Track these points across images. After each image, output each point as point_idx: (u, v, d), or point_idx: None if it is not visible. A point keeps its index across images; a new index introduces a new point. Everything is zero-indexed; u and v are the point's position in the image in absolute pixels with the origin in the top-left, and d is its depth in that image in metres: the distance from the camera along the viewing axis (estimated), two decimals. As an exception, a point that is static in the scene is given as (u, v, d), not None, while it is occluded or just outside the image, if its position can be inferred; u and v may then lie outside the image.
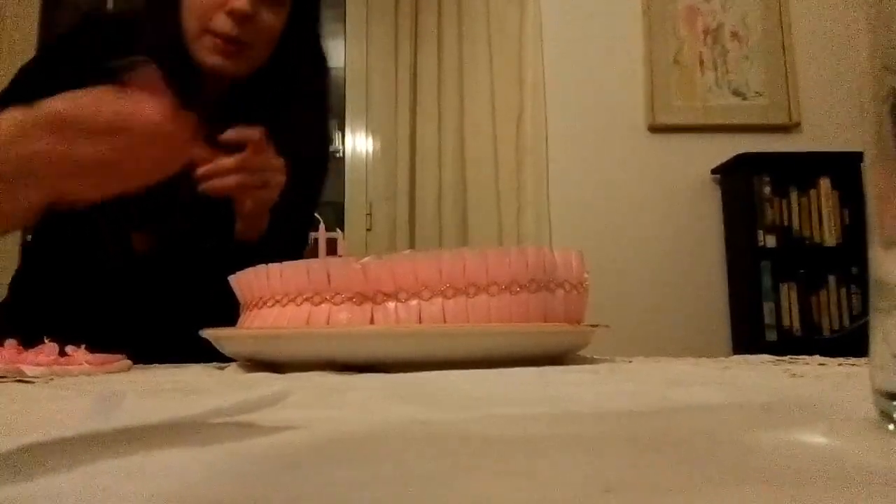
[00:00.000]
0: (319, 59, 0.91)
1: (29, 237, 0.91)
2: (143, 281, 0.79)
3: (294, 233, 0.89)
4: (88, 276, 0.79)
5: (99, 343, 0.52)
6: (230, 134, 0.68)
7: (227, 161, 0.68)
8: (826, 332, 2.14)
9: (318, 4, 0.89)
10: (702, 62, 2.42)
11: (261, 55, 0.80)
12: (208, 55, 0.76)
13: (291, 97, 0.86)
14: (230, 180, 0.69)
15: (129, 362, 0.54)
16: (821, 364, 0.46)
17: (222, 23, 0.75)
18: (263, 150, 0.70)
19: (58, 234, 0.82)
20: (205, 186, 0.69)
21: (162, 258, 0.79)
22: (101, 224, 0.78)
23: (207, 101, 0.80)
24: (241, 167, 0.69)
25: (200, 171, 0.68)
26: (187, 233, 0.79)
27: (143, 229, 0.78)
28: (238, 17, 0.75)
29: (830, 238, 2.17)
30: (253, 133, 0.69)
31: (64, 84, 0.61)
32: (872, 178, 0.20)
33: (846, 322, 2.15)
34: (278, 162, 0.72)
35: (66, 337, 0.50)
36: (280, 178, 0.73)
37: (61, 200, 0.53)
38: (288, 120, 0.81)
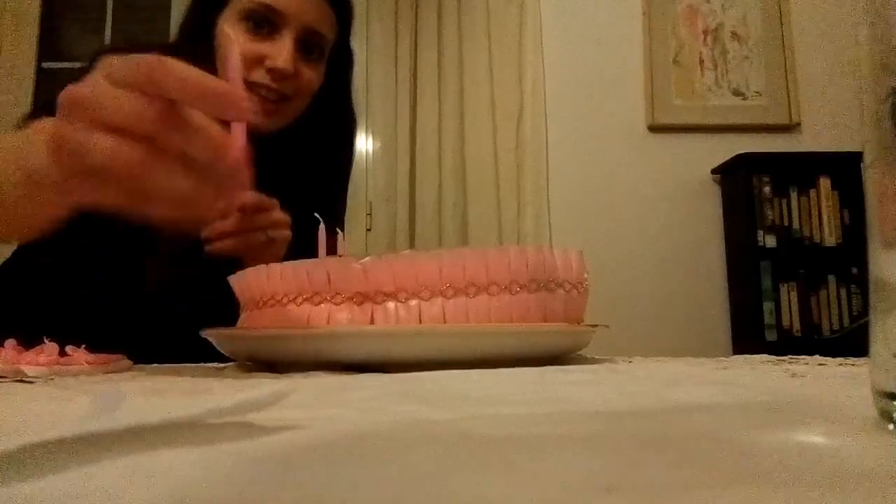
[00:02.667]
0: (352, 116, 0.91)
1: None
2: (139, 284, 0.79)
3: None
4: (86, 278, 0.79)
5: (99, 343, 0.52)
6: (251, 201, 0.68)
7: (225, 224, 0.68)
8: (826, 332, 2.14)
9: (352, 60, 0.89)
10: (702, 62, 2.42)
11: (297, 111, 0.80)
12: None
13: (320, 154, 0.86)
14: (228, 244, 0.69)
15: (129, 362, 0.54)
16: (821, 364, 0.46)
17: (263, 77, 0.75)
18: (266, 209, 0.70)
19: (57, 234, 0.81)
20: (207, 250, 0.69)
21: (167, 293, 0.78)
22: (102, 231, 0.77)
23: None
24: (239, 229, 0.69)
25: (204, 234, 0.68)
26: (196, 275, 0.78)
27: (158, 265, 0.77)
28: (280, 75, 0.74)
29: (830, 238, 2.17)
30: (247, 196, 0.68)
31: None
32: (872, 178, 0.20)
33: (846, 322, 2.15)
34: (283, 217, 0.71)
35: (66, 337, 0.50)
36: (286, 234, 0.72)
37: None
38: (312, 174, 0.82)
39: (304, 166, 0.81)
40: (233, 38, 0.73)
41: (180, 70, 0.35)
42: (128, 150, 0.34)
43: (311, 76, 0.79)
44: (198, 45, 0.77)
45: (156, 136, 0.35)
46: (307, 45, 0.77)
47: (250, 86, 0.75)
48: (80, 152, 0.34)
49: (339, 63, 0.85)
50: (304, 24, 0.76)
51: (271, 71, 0.74)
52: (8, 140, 0.47)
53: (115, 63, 0.36)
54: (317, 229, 0.65)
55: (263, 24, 0.75)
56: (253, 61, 0.74)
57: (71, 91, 0.35)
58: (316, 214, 0.69)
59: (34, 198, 0.43)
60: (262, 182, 0.80)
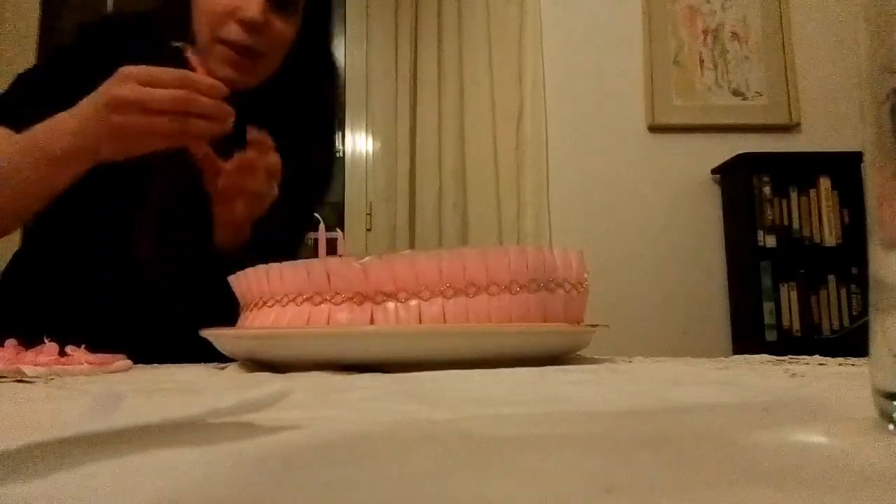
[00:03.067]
0: (330, 68, 0.89)
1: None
2: (139, 284, 0.78)
3: (279, 247, 0.88)
4: (86, 278, 0.79)
5: (99, 343, 0.52)
6: (256, 136, 0.68)
7: (248, 176, 0.68)
8: (826, 332, 2.14)
9: (330, 13, 0.88)
10: (702, 62, 2.42)
11: (272, 65, 0.79)
12: (220, 67, 0.74)
13: (299, 107, 0.84)
14: (231, 180, 0.69)
15: (129, 362, 0.54)
16: (821, 364, 0.46)
17: (234, 32, 0.74)
18: (268, 152, 0.70)
19: (57, 234, 0.81)
20: (212, 186, 0.69)
21: (161, 263, 0.78)
22: (102, 231, 0.78)
23: None
24: (246, 166, 0.69)
25: (221, 184, 0.68)
26: (184, 234, 0.78)
27: (146, 235, 0.78)
28: (250, 26, 0.73)
29: (830, 238, 2.17)
30: (261, 135, 0.68)
31: (64, 99, 0.63)
32: (872, 178, 0.20)
33: (846, 322, 2.15)
34: (279, 164, 0.71)
35: (66, 337, 0.50)
36: (274, 190, 0.72)
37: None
38: (294, 131, 0.80)
39: (286, 122, 0.79)
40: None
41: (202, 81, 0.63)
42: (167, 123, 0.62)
43: (284, 28, 0.77)
44: (176, 8, 0.77)
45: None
46: None
47: (220, 42, 0.74)
48: (146, 130, 0.62)
49: (315, 13, 0.83)
50: None
51: (242, 22, 0.73)
52: (26, 136, 0.65)
53: (142, 72, 0.62)
54: (310, 218, 0.65)
55: None
56: (224, 14, 0.74)
57: (118, 95, 0.61)
58: (316, 214, 0.69)
59: (48, 175, 0.65)
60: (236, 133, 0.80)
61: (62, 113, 0.65)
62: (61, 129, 0.64)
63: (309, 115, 0.86)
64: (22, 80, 0.80)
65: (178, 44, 0.67)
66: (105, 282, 0.79)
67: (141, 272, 0.77)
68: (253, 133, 0.68)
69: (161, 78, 0.62)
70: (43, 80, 0.79)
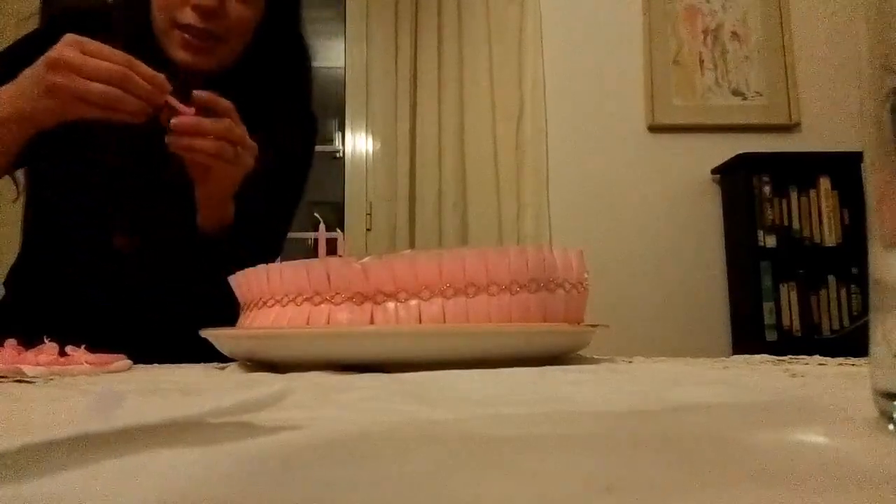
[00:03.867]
0: (299, 53, 0.88)
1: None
2: (126, 278, 0.78)
3: (265, 232, 0.86)
4: (74, 275, 0.79)
5: (99, 343, 0.52)
6: (204, 94, 0.66)
7: (208, 122, 0.66)
8: (826, 332, 2.14)
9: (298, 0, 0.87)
10: (702, 62, 2.42)
11: (234, 49, 0.78)
12: (177, 50, 0.75)
13: (269, 93, 0.84)
14: (208, 143, 0.66)
15: (129, 362, 0.54)
16: (821, 364, 0.46)
17: (189, 17, 0.74)
18: (239, 123, 0.69)
19: (47, 235, 0.81)
20: (179, 143, 0.66)
21: (143, 254, 0.78)
22: (80, 223, 0.78)
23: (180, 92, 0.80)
24: (221, 134, 0.66)
25: (175, 121, 0.65)
26: (163, 223, 0.78)
27: (122, 225, 0.78)
28: (203, 11, 0.74)
29: (830, 238, 2.17)
30: (228, 103, 0.67)
31: None
32: (872, 178, 0.20)
33: (846, 322, 2.15)
34: (251, 142, 0.70)
35: (66, 337, 0.50)
36: (249, 161, 0.71)
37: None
38: (266, 116, 0.80)
39: (258, 105, 0.79)
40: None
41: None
42: (103, 88, 0.62)
43: (243, 12, 0.77)
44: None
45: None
46: None
47: (177, 27, 0.75)
48: (78, 92, 0.62)
49: None
50: None
51: (196, 7, 0.74)
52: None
53: (89, 43, 0.63)
54: (293, 203, 0.64)
55: None
56: (178, 0, 0.74)
57: (59, 56, 0.62)
58: (316, 214, 0.68)
59: (16, 130, 0.67)
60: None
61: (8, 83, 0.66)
62: (2, 94, 0.66)
63: (282, 98, 0.86)
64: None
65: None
66: (91, 276, 0.79)
67: (123, 264, 0.77)
68: (221, 99, 0.67)
69: (104, 53, 0.63)
70: (6, 64, 0.78)
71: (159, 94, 0.65)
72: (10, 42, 0.83)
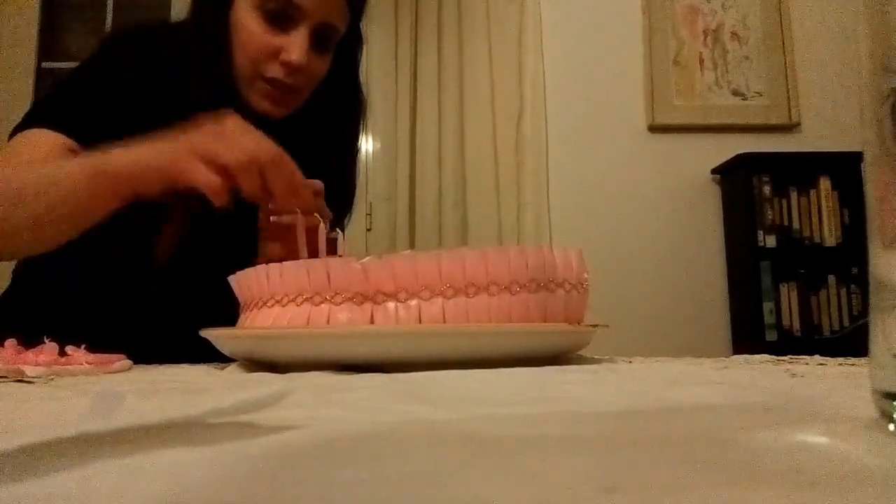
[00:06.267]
0: (358, 99, 0.93)
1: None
2: (154, 291, 0.78)
3: None
4: (104, 284, 0.79)
5: (99, 343, 0.52)
6: (313, 184, 0.69)
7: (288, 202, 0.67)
8: (826, 332, 2.14)
9: (360, 50, 0.92)
10: (702, 62, 2.42)
11: (304, 96, 0.82)
12: (260, 101, 0.78)
13: (328, 135, 0.88)
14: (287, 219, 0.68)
15: (129, 362, 0.54)
16: (821, 364, 0.46)
17: (277, 72, 0.77)
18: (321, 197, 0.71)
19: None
20: (264, 223, 0.69)
21: (177, 268, 0.78)
22: (122, 238, 0.77)
23: None
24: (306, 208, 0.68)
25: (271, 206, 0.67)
26: (210, 245, 0.78)
27: (167, 244, 0.77)
28: (293, 68, 0.76)
29: (830, 238, 2.17)
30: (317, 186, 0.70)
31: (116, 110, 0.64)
32: (872, 178, 0.20)
33: (846, 322, 2.15)
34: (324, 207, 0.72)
35: (66, 337, 0.50)
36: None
37: None
38: (321, 156, 0.83)
39: (315, 148, 0.82)
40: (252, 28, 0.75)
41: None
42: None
43: (320, 66, 0.81)
44: (208, 29, 0.78)
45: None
46: (320, 38, 0.79)
47: (263, 79, 0.77)
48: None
49: (348, 48, 0.86)
50: (320, 19, 0.77)
51: (285, 64, 0.76)
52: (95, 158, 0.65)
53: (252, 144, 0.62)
54: (321, 230, 0.65)
55: (280, 17, 0.76)
56: (268, 54, 0.76)
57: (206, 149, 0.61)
58: (316, 214, 0.68)
59: (104, 200, 0.64)
60: None
61: (142, 145, 0.63)
62: (136, 156, 0.63)
63: (336, 143, 0.90)
64: (68, 86, 0.79)
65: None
66: (123, 288, 0.79)
67: (156, 279, 0.77)
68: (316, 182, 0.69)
69: (262, 162, 0.61)
70: (91, 88, 0.78)
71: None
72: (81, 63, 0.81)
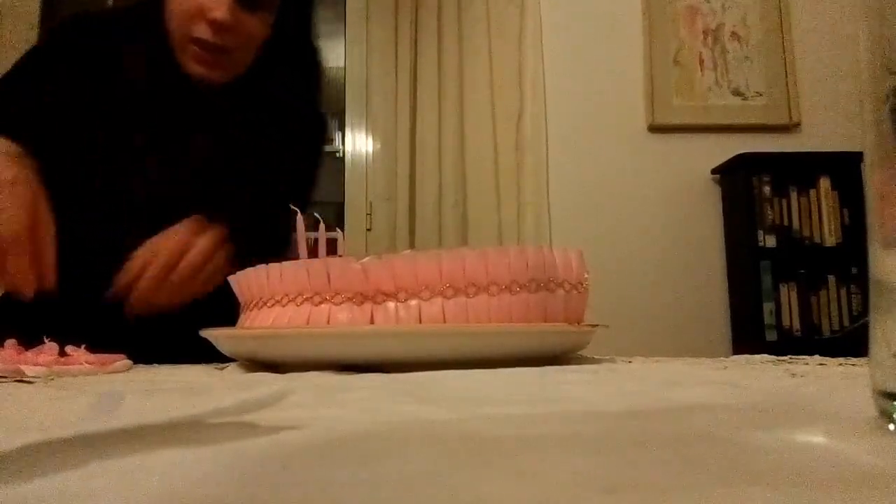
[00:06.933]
0: (309, 61, 0.90)
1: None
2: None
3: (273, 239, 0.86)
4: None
5: (99, 343, 0.52)
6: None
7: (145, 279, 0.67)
8: (826, 332, 2.14)
9: (310, 11, 0.89)
10: (702, 62, 2.42)
11: (243, 59, 0.80)
12: (193, 65, 0.78)
13: (280, 100, 0.85)
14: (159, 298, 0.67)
15: (129, 362, 0.54)
16: (821, 364, 0.46)
17: (203, 31, 0.76)
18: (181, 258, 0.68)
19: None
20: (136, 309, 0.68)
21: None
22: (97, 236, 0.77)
23: (192, 102, 0.80)
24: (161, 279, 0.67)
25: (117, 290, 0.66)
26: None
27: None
28: (218, 25, 0.75)
29: (830, 238, 2.17)
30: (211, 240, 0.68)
31: (52, 103, 0.64)
32: (872, 178, 0.20)
33: (846, 322, 2.14)
34: (206, 250, 0.70)
35: (66, 337, 0.50)
36: (219, 263, 0.70)
37: None
38: (275, 123, 0.81)
39: (266, 116, 0.81)
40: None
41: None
42: None
43: (254, 25, 0.79)
44: (145, 7, 0.78)
45: None
46: None
47: (193, 41, 0.76)
48: None
49: (293, 7, 0.84)
50: None
51: (210, 23, 0.75)
52: None
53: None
54: (293, 214, 0.65)
55: None
56: (193, 14, 0.76)
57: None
58: (316, 214, 0.68)
59: None
60: (224, 135, 0.79)
61: None
62: None
63: (290, 109, 0.87)
64: (7, 86, 0.79)
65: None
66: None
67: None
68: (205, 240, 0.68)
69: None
70: (27, 83, 0.78)
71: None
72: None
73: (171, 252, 0.68)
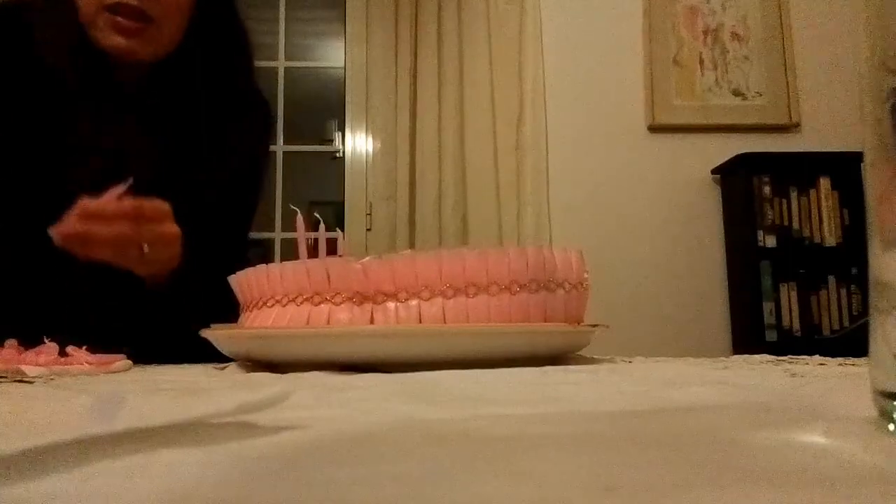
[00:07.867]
0: (238, 37, 0.85)
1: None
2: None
3: (228, 243, 0.82)
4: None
5: (99, 343, 0.52)
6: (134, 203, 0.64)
7: (101, 231, 0.63)
8: (826, 332, 2.14)
9: None
10: (702, 62, 2.42)
11: (170, 34, 0.75)
12: (108, 36, 0.72)
13: (213, 82, 0.80)
14: (104, 252, 0.64)
15: (129, 362, 0.54)
16: (821, 364, 0.46)
17: None
18: (148, 219, 0.65)
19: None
20: (74, 251, 0.63)
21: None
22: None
23: (121, 88, 0.76)
24: (117, 238, 0.64)
25: (57, 229, 0.62)
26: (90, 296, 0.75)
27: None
28: None
29: (830, 238, 2.17)
30: (162, 206, 0.65)
31: None
32: (872, 178, 0.20)
33: (846, 322, 2.14)
34: (172, 232, 0.67)
35: (66, 337, 0.50)
36: (171, 251, 0.68)
37: None
38: (214, 112, 0.78)
39: (199, 96, 0.77)
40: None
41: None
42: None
43: None
44: None
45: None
46: None
47: (106, 9, 0.71)
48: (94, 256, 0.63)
49: None
50: None
51: None
52: None
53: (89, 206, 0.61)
54: (251, 198, 0.63)
55: None
56: None
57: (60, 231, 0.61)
58: (316, 214, 0.68)
59: None
60: (152, 116, 0.77)
61: None
62: None
63: (228, 89, 0.83)
64: None
65: None
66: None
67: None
68: (153, 205, 0.65)
69: (106, 210, 0.62)
70: None
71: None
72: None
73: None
